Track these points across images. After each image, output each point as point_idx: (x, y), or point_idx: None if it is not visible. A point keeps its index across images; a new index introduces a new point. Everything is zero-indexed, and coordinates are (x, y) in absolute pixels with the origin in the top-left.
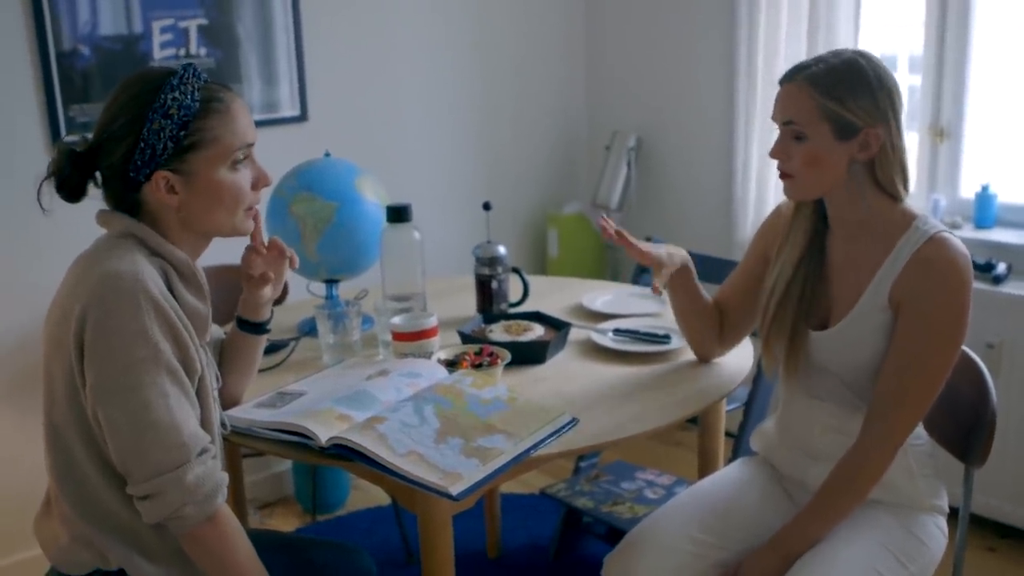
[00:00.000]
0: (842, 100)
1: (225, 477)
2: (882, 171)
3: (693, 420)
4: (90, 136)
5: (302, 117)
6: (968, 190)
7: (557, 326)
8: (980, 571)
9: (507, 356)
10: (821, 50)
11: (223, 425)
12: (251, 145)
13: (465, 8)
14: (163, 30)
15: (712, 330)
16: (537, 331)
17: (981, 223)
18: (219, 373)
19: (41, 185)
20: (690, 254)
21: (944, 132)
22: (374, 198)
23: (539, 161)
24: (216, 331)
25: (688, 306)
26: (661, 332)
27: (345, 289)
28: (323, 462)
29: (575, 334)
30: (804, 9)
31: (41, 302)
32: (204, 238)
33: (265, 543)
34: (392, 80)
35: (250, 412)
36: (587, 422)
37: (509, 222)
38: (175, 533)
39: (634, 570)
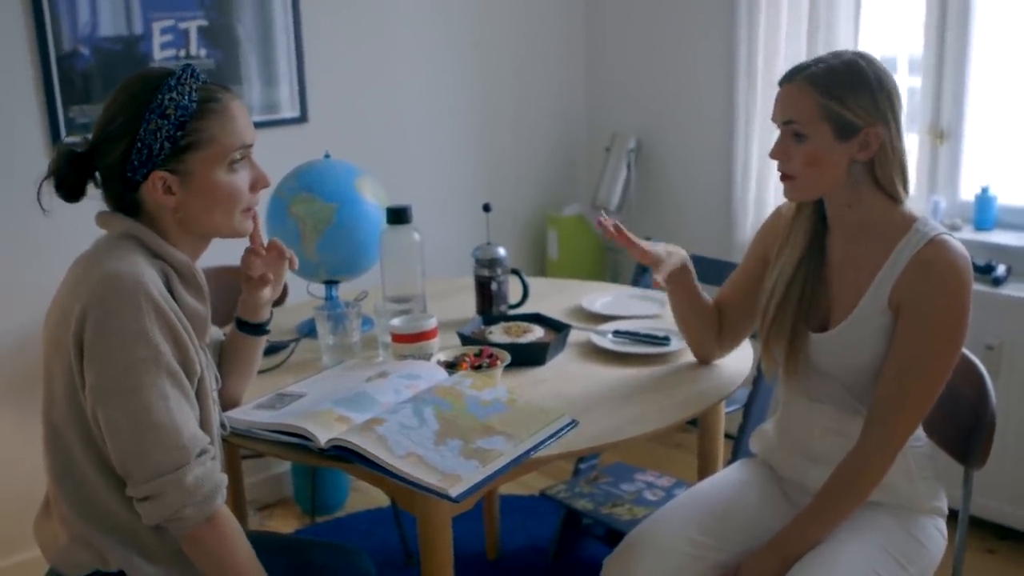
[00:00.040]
0: (842, 100)
1: (224, 478)
2: (882, 171)
3: (693, 422)
4: (91, 136)
5: (302, 118)
6: (968, 192)
7: (557, 328)
8: (979, 573)
9: (507, 358)
10: (821, 52)
11: (223, 426)
12: (249, 146)
13: (465, 10)
14: (163, 31)
15: (711, 331)
16: (537, 333)
17: (981, 225)
18: (218, 374)
19: (41, 185)
20: (689, 256)
21: (944, 134)
22: (374, 199)
23: (539, 163)
24: (216, 332)
25: (687, 306)
26: (661, 334)
27: (345, 290)
28: (322, 464)
29: (575, 336)
30: (804, 10)
31: (41, 303)
32: (203, 239)
33: (264, 544)
34: (392, 81)
35: (250, 413)
36: (587, 424)
37: (509, 224)
38: (175, 534)
39: (633, 572)
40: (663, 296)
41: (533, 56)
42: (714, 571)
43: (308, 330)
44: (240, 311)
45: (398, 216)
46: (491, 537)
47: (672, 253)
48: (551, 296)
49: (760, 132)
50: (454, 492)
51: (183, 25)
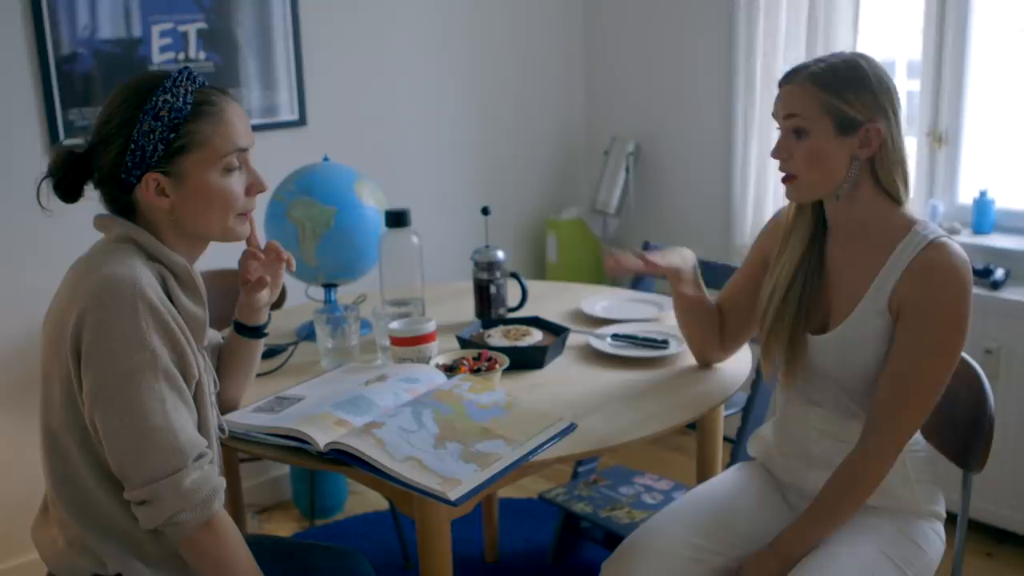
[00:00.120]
0: (842, 95)
1: (222, 482)
2: (883, 170)
3: (691, 425)
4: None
5: (301, 121)
6: (966, 195)
7: (556, 331)
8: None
9: (505, 361)
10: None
11: (221, 430)
12: (245, 150)
13: (464, 14)
14: (162, 34)
15: (714, 334)
16: (536, 336)
17: (979, 228)
18: (216, 377)
19: (40, 185)
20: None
21: (942, 137)
22: (373, 203)
23: (538, 166)
24: (214, 335)
25: (693, 309)
26: (659, 337)
27: (344, 294)
28: (321, 467)
29: (573, 339)
30: (803, 14)
31: (39, 306)
32: (199, 242)
33: (263, 548)
34: (391, 85)
35: (248, 417)
36: (585, 427)
37: (508, 227)
38: (172, 539)
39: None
40: (662, 299)
41: (532, 59)
42: (713, 574)
43: (307, 333)
44: (238, 314)
45: (397, 219)
46: (490, 540)
47: (686, 258)
48: (550, 299)
49: (759, 135)
50: (453, 495)
51: (182, 28)
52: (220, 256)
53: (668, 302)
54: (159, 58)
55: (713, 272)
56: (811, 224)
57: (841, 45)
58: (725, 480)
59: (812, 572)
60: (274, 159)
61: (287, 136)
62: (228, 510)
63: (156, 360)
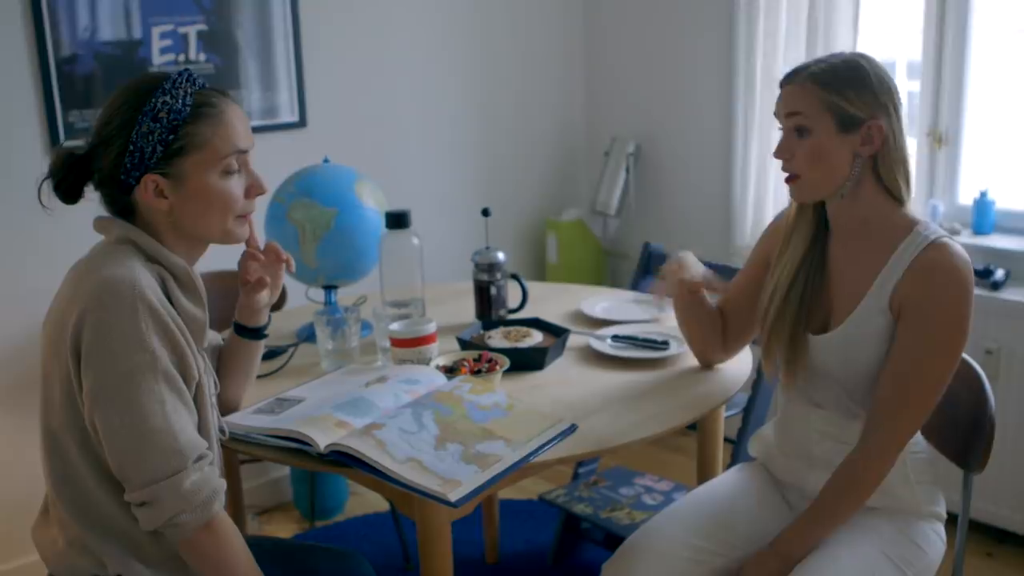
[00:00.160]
0: (843, 92)
1: (223, 484)
2: (885, 168)
3: (692, 426)
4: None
5: (301, 123)
6: (966, 196)
7: (556, 332)
8: None
9: (506, 362)
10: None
11: (221, 431)
12: (244, 151)
13: (464, 14)
14: (162, 36)
15: (715, 334)
16: (536, 337)
17: (979, 229)
18: (217, 379)
19: (41, 185)
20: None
21: (942, 138)
22: (373, 204)
23: (538, 167)
24: (214, 337)
25: (692, 307)
26: (660, 338)
27: (344, 295)
28: (321, 468)
29: (574, 340)
30: (803, 15)
31: (39, 307)
32: (199, 243)
33: (263, 549)
34: (391, 86)
35: (248, 418)
36: (586, 428)
37: (508, 228)
38: (172, 540)
39: None
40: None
41: (532, 60)
42: (713, 575)
43: (307, 335)
44: (238, 315)
45: (397, 220)
46: (490, 541)
47: (694, 263)
48: (550, 300)
49: (759, 136)
50: (453, 497)
51: (182, 30)
52: (220, 258)
53: (668, 302)
54: (159, 60)
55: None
56: (813, 224)
57: (841, 45)
58: (726, 481)
59: (812, 573)
60: (274, 160)
61: (287, 137)
62: (228, 511)
63: (156, 361)
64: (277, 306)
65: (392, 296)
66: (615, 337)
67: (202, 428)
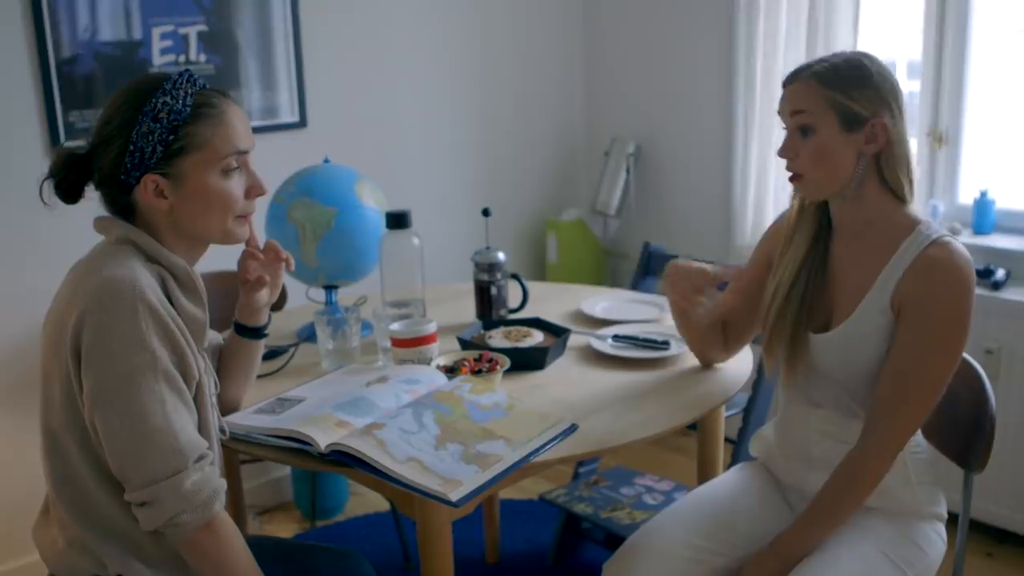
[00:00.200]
0: (846, 90)
1: (223, 484)
2: (888, 168)
3: (692, 426)
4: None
5: (301, 123)
6: (967, 196)
7: (556, 332)
8: None
9: (506, 362)
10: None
11: (222, 431)
12: (244, 152)
13: (464, 15)
14: (163, 36)
15: (716, 337)
16: (536, 337)
17: (979, 229)
18: (217, 379)
19: (42, 184)
20: (688, 259)
21: (943, 137)
22: (373, 204)
23: (538, 167)
24: (214, 337)
25: (690, 315)
26: (660, 338)
27: (344, 295)
28: (322, 468)
29: (574, 340)
30: (803, 15)
31: (39, 307)
32: (199, 243)
33: (264, 549)
34: (391, 86)
35: (249, 418)
36: (586, 428)
37: (508, 228)
38: (173, 540)
39: None
40: (662, 300)
41: (532, 60)
42: (713, 575)
43: (308, 335)
44: (238, 315)
45: (397, 220)
46: (491, 541)
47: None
48: (551, 300)
49: (759, 136)
50: (454, 496)
51: (183, 30)
52: (220, 258)
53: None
54: (159, 60)
55: None
56: (815, 223)
57: (841, 45)
58: (726, 481)
59: (813, 573)
60: (274, 161)
61: (287, 138)
62: (229, 511)
63: (156, 362)
64: (277, 306)
65: (392, 296)
66: (615, 337)
67: (202, 428)
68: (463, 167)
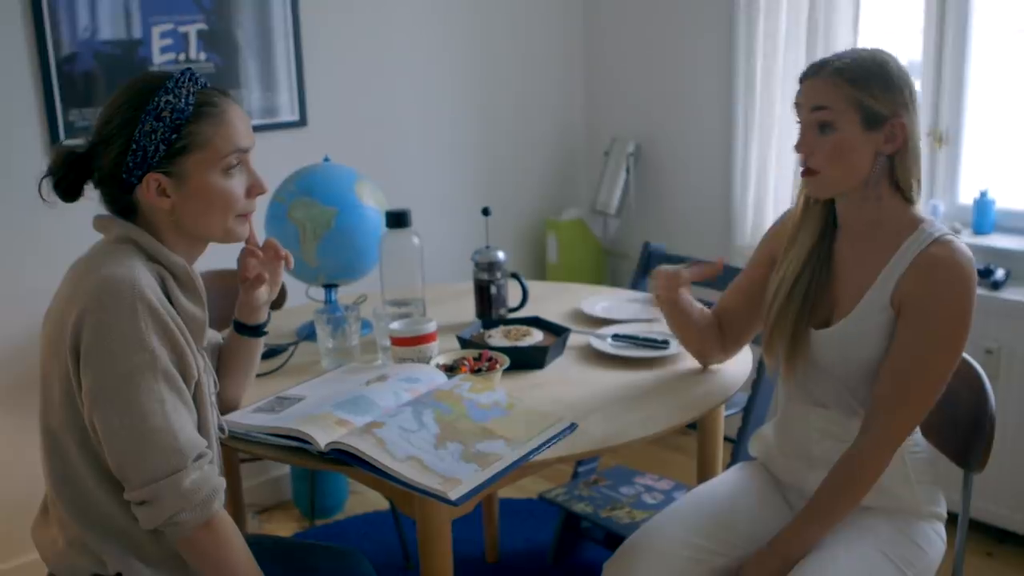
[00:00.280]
0: (869, 89)
1: (222, 482)
2: (902, 168)
3: (692, 425)
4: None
5: (301, 122)
6: (967, 196)
7: (556, 331)
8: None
9: (506, 361)
10: (820, 56)
11: (221, 430)
12: (245, 150)
13: (464, 15)
14: (163, 35)
15: (713, 339)
16: (536, 336)
17: (979, 229)
18: (216, 378)
19: (41, 183)
20: (688, 259)
21: (943, 137)
22: (373, 203)
23: (538, 166)
24: (214, 336)
25: (686, 321)
26: (660, 337)
27: (344, 294)
28: (322, 467)
29: (574, 339)
30: (803, 15)
31: (39, 306)
32: (199, 242)
33: (263, 548)
34: (391, 86)
35: (249, 417)
36: (586, 427)
37: (508, 227)
38: (172, 539)
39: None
40: None
41: (532, 60)
42: (713, 574)
43: (307, 333)
44: (238, 313)
45: (397, 220)
46: (490, 540)
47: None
48: (550, 300)
49: (759, 136)
50: (453, 495)
51: (182, 29)
52: (220, 256)
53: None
54: (159, 59)
55: None
56: (820, 220)
57: (841, 46)
58: (726, 480)
59: (812, 573)
60: (274, 160)
61: (287, 137)
62: (228, 510)
63: (155, 361)
64: (277, 304)
65: (392, 295)
66: (615, 336)
67: (202, 427)
68: (463, 167)
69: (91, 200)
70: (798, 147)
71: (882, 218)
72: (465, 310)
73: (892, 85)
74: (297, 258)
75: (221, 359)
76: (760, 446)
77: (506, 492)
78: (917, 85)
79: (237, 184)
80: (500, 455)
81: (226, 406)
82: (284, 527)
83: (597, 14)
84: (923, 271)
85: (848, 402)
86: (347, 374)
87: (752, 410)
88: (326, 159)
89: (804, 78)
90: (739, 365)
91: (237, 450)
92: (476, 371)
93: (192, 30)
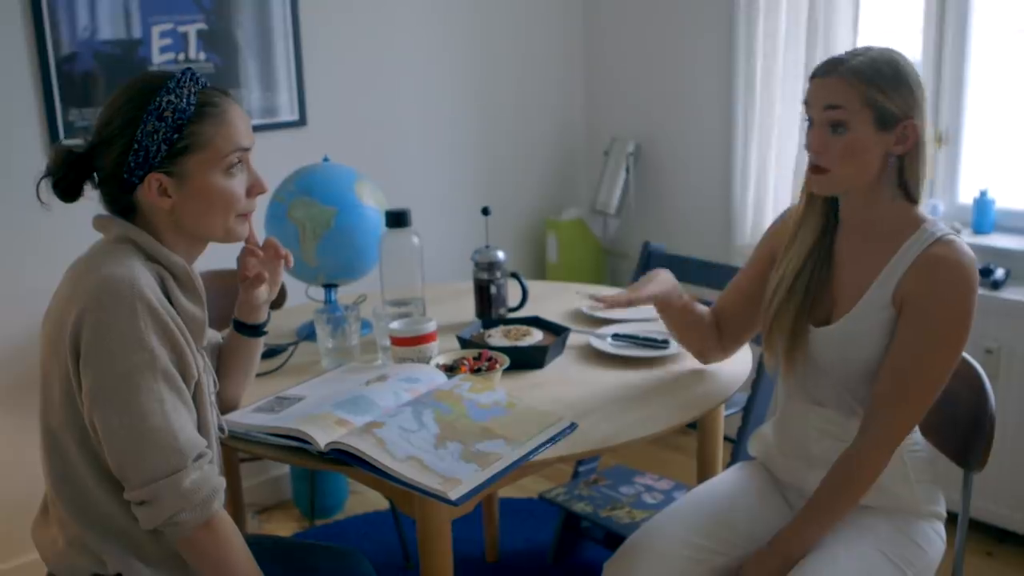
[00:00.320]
0: (883, 89)
1: (222, 482)
2: (911, 168)
3: (692, 425)
4: (89, 138)
5: (301, 122)
6: (966, 195)
7: (556, 331)
8: (979, 575)
9: (506, 361)
10: (820, 56)
11: (221, 430)
12: (246, 149)
13: (464, 14)
14: (162, 35)
15: (711, 339)
16: (536, 336)
17: (979, 228)
18: (216, 377)
19: (39, 183)
20: (689, 259)
21: (942, 137)
22: (373, 203)
23: (538, 166)
24: (213, 335)
25: (682, 323)
26: (660, 337)
27: (344, 294)
28: (322, 467)
29: (574, 339)
30: (802, 15)
31: (39, 306)
32: (199, 242)
33: (263, 548)
34: (391, 85)
35: (248, 417)
36: (586, 427)
37: (508, 227)
38: (172, 539)
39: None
40: None
41: (532, 60)
42: (714, 574)
43: (307, 333)
44: (237, 312)
45: (397, 219)
46: (490, 540)
47: (663, 282)
48: (550, 299)
49: (759, 136)
50: (453, 495)
51: (182, 29)
52: (219, 256)
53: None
54: (159, 59)
55: (713, 272)
56: (822, 216)
57: (841, 45)
58: (725, 480)
59: (812, 572)
60: (274, 160)
61: (287, 137)
62: (228, 510)
63: (155, 360)
64: (277, 304)
65: (392, 295)
66: (615, 336)
67: (201, 427)
68: (463, 167)
69: (91, 200)
70: (810, 146)
71: (885, 217)
72: (465, 310)
73: (906, 85)
74: (297, 258)
75: (221, 359)
76: (759, 445)
77: (506, 492)
78: None
79: (238, 184)
80: (500, 455)
81: (226, 406)
82: (284, 527)
83: (597, 14)
84: (925, 271)
85: (847, 401)
86: (347, 374)
87: (752, 410)
88: (326, 159)
89: (816, 75)
90: (739, 365)
91: (237, 450)
92: (476, 371)
93: (192, 30)
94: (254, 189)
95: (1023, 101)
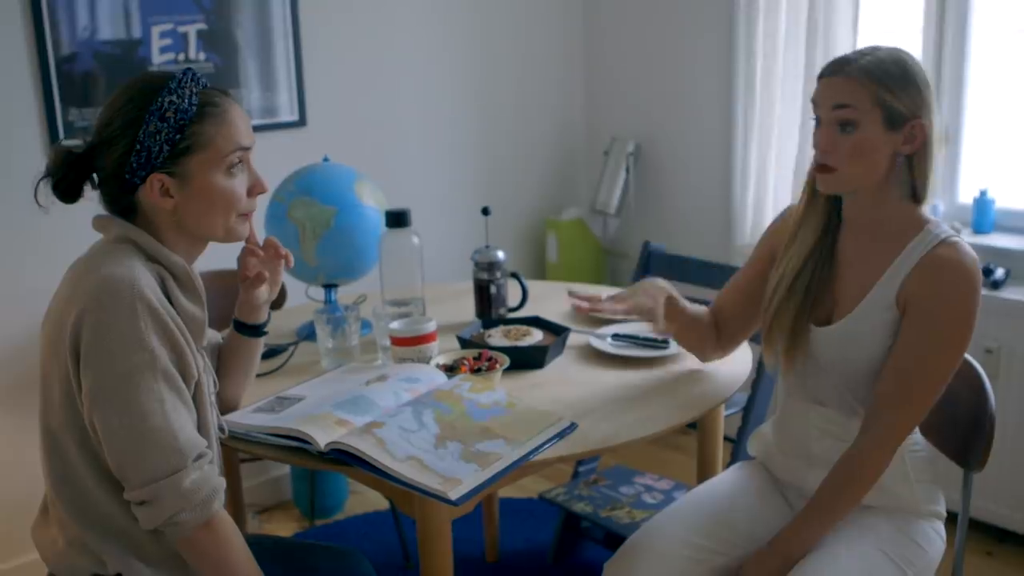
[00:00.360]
0: (893, 89)
1: (222, 482)
2: (919, 168)
3: (692, 425)
4: (89, 138)
5: (301, 122)
6: (966, 195)
7: (556, 331)
8: (979, 575)
9: (506, 361)
10: (819, 57)
11: (221, 430)
12: (247, 149)
13: (464, 15)
14: (162, 35)
15: (710, 339)
16: (536, 336)
17: (979, 228)
18: (216, 377)
19: (38, 184)
20: (688, 259)
21: (942, 137)
22: (373, 203)
23: (538, 166)
24: (213, 335)
25: (680, 326)
26: (659, 337)
27: (344, 294)
28: (322, 467)
29: (574, 339)
30: (802, 16)
31: (39, 306)
32: (199, 242)
33: (263, 548)
34: (391, 85)
35: (248, 417)
36: (586, 427)
37: (508, 227)
38: (172, 539)
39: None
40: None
41: (532, 60)
42: (714, 574)
43: (307, 333)
44: (238, 312)
45: (397, 219)
46: (490, 540)
47: (655, 295)
48: (550, 299)
49: (759, 136)
50: (454, 495)
51: (182, 29)
52: (219, 256)
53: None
54: (159, 59)
55: (713, 272)
56: (824, 216)
57: (841, 45)
58: (725, 480)
59: (812, 572)
60: (274, 160)
61: (287, 137)
62: (228, 510)
63: (155, 361)
64: (277, 304)
65: (392, 295)
66: (615, 336)
67: (201, 427)
68: (463, 167)
69: (91, 200)
70: (819, 145)
71: (889, 216)
72: (465, 310)
73: (914, 85)
74: (297, 258)
75: (221, 359)
76: (759, 445)
77: (506, 492)
78: None
79: (239, 184)
80: (500, 455)
81: (226, 406)
82: (284, 527)
83: (597, 14)
84: (929, 272)
85: (848, 401)
86: (347, 374)
87: (752, 410)
88: (325, 159)
89: (825, 74)
90: (739, 365)
91: (237, 450)
92: (476, 371)
93: (192, 30)
94: (255, 189)
95: (1023, 101)
